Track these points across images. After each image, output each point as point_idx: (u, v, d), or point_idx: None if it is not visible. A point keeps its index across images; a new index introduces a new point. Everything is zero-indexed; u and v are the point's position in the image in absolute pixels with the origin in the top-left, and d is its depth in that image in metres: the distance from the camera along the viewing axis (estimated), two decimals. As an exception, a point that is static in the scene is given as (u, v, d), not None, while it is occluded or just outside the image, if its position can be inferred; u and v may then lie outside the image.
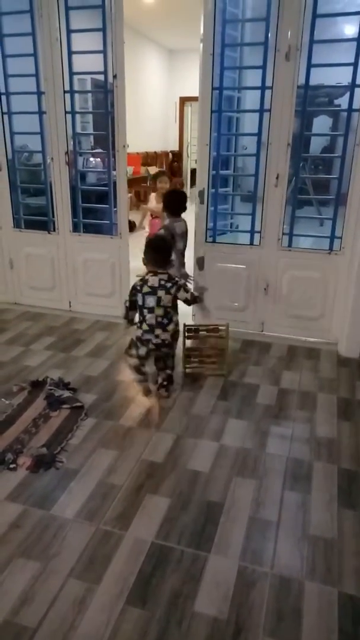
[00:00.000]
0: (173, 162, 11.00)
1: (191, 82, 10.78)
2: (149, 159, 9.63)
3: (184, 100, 10.97)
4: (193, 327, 2.83)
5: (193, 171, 12.24)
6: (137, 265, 3.81)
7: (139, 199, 9.16)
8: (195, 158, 11.77)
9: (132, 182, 7.90)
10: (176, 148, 11.25)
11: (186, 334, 2.80)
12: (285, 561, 1.63)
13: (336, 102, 5.11)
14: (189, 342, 2.84)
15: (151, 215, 4.56)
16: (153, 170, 9.03)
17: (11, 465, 2.04)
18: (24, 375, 2.83)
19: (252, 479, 2.00)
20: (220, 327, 2.83)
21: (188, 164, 11.91)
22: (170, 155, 10.88)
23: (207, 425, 2.37)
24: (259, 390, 2.71)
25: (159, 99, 10.31)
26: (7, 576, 1.54)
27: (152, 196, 4.65)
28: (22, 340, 3.31)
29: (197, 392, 2.67)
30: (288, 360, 3.08)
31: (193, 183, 12.13)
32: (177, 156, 11.19)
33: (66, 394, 2.59)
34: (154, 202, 4.55)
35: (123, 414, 2.46)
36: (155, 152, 10.04)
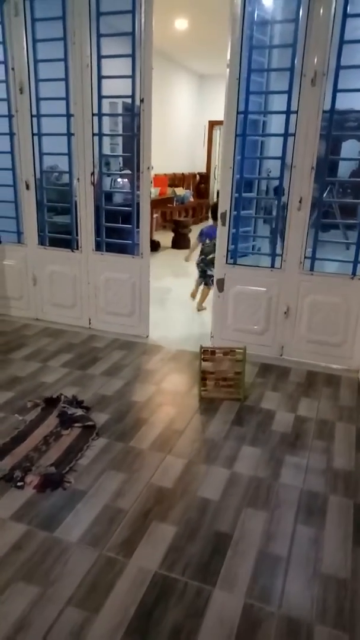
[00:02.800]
0: (200, 183, 11.12)
1: (220, 106, 10.99)
2: (176, 180, 9.75)
3: (212, 124, 11.13)
4: (209, 349, 2.79)
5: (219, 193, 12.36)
6: (158, 285, 3.80)
7: (165, 220, 9.27)
8: (222, 180, 12.14)
9: (159, 203, 8.00)
10: (204, 170, 11.38)
11: (202, 356, 2.76)
12: (294, 601, 1.55)
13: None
14: (204, 364, 2.79)
15: None
16: (180, 191, 9.14)
17: (19, 484, 2.03)
18: (40, 392, 2.83)
19: (264, 511, 1.92)
20: (237, 350, 2.78)
21: (214, 185, 12.01)
22: (198, 177, 11.00)
23: (220, 451, 2.31)
24: (276, 416, 2.64)
25: (188, 122, 10.49)
26: (6, 600, 1.51)
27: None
28: (41, 357, 3.33)
29: (211, 417, 2.62)
30: (307, 387, 3.00)
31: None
32: (204, 178, 11.31)
33: (79, 412, 2.57)
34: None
35: (134, 435, 2.42)
36: (182, 174, 10.17)
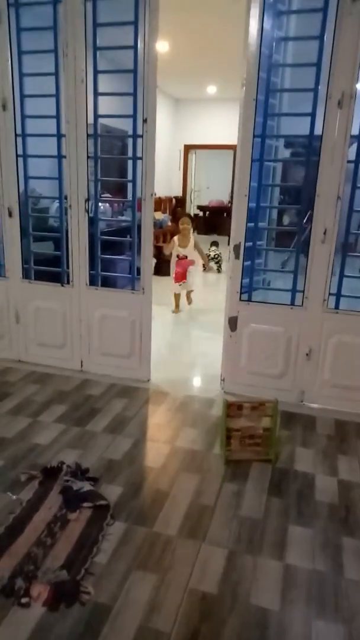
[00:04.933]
0: (177, 207, 10.88)
1: (196, 130, 10.96)
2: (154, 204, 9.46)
3: (188, 148, 10.99)
4: (235, 404, 2.42)
5: (196, 216, 12.15)
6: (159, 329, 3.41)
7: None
8: (197, 204, 11.95)
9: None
10: (180, 194, 11.18)
11: (228, 413, 2.38)
12: None
13: None
14: (229, 422, 2.41)
15: (178, 256, 5.06)
16: (158, 215, 8.83)
17: (23, 600, 1.57)
18: (33, 458, 2.38)
19: (338, 623, 1.54)
20: (267, 404, 2.42)
21: (191, 209, 11.84)
22: (174, 200, 10.77)
23: (264, 534, 1.92)
24: (315, 482, 2.28)
25: (164, 145, 10.28)
26: None
27: (176, 238, 5.12)
28: (29, 410, 2.87)
29: (242, 485, 2.23)
30: (339, 441, 2.66)
31: (195, 228, 12.02)
32: (181, 202, 11.10)
33: (86, 486, 2.13)
34: (176, 242, 5.08)
35: (157, 516, 2.00)
36: (159, 198, 9.89)
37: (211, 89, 9.06)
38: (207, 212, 12.42)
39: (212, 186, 12.34)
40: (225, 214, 12.02)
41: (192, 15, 4.80)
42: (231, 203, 10.73)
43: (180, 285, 5.08)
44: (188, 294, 5.26)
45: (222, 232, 11.59)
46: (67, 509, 2.00)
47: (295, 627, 1.52)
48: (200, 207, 12.21)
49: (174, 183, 10.97)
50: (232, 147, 10.29)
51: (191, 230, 5.14)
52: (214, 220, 12.28)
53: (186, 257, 5.05)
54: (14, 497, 2.08)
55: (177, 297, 5.11)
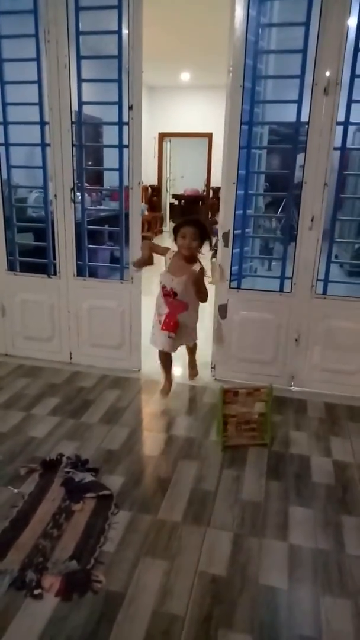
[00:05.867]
0: (152, 196, 10.82)
1: (170, 119, 10.87)
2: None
3: (162, 136, 10.90)
4: (231, 390, 2.44)
5: (171, 205, 12.12)
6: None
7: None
8: (173, 192, 11.89)
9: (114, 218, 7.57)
10: (155, 183, 11.10)
11: (224, 399, 2.41)
12: None
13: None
14: (226, 408, 2.44)
15: (163, 286, 2.73)
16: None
17: (35, 591, 1.57)
18: (31, 451, 2.36)
19: (345, 598, 1.60)
20: (262, 389, 2.46)
21: (167, 198, 11.78)
22: (150, 189, 10.69)
23: (266, 516, 1.96)
24: (312, 464, 2.33)
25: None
26: None
27: (168, 256, 2.74)
28: (22, 403, 2.84)
29: (241, 470, 2.27)
30: (331, 423, 2.73)
31: (170, 217, 11.99)
32: (156, 191, 11.04)
33: (88, 477, 2.14)
34: (166, 263, 2.74)
35: (160, 504, 2.02)
36: (136, 186, 9.80)
37: (185, 76, 8.98)
38: (182, 201, 12.40)
39: (186, 175, 12.28)
40: (200, 203, 12.03)
41: (166, 1, 4.75)
42: (206, 191, 10.67)
43: (168, 336, 2.72)
44: (190, 353, 3.13)
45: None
46: (70, 500, 2.00)
47: (304, 604, 1.57)
48: (175, 196, 12.15)
49: (149, 172, 10.88)
50: (206, 135, 10.38)
51: (201, 249, 2.73)
52: (189, 209, 12.26)
53: (175, 294, 2.67)
54: (16, 491, 2.06)
55: (165, 361, 2.89)
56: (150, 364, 3.34)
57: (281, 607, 1.56)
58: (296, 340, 3.02)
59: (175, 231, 2.68)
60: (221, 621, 1.50)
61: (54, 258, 3.24)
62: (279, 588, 1.63)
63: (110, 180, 5.81)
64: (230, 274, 3.02)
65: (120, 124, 2.93)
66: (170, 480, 2.18)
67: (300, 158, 2.79)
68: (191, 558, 1.74)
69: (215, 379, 3.20)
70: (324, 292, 2.93)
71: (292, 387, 3.10)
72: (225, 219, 2.94)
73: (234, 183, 2.86)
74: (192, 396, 3.02)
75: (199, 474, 2.23)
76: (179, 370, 3.32)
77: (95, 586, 1.61)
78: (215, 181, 9.95)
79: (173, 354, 2.90)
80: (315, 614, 1.54)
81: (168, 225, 11.30)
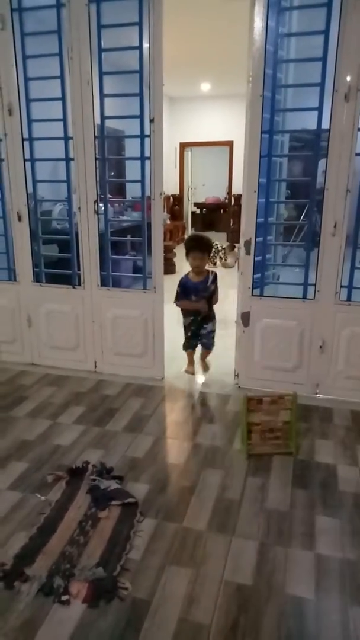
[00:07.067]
0: (174, 205, 10.91)
1: (191, 128, 10.98)
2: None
3: (183, 146, 11.00)
4: (255, 398, 2.44)
5: (193, 214, 12.20)
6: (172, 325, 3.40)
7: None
8: (194, 201, 11.96)
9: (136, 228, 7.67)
10: (177, 192, 11.19)
11: (248, 407, 2.41)
12: None
13: None
14: (250, 416, 2.44)
15: None
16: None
17: (63, 597, 1.59)
18: (57, 459, 2.40)
19: (374, 609, 1.57)
20: (286, 397, 2.45)
21: (188, 207, 11.85)
22: (172, 199, 10.78)
23: (292, 525, 1.95)
24: (338, 472, 2.31)
25: (161, 144, 10.29)
26: None
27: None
28: (48, 412, 2.89)
29: (266, 478, 2.26)
30: (357, 431, 2.69)
31: (192, 225, 12.07)
32: (178, 200, 11.12)
33: (113, 485, 2.16)
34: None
35: (185, 512, 2.02)
36: (158, 196, 9.90)
37: (205, 86, 9.07)
38: (204, 209, 12.46)
39: (208, 183, 12.35)
40: (222, 211, 12.07)
41: (186, 14, 4.83)
42: (228, 199, 10.71)
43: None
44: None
45: (219, 229, 11.64)
46: (96, 507, 2.03)
47: (332, 614, 1.55)
48: (197, 205, 12.23)
49: (170, 181, 10.98)
50: (227, 144, 10.43)
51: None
52: (211, 217, 12.33)
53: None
54: (43, 498, 2.10)
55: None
56: (172, 372, 3.36)
57: (308, 617, 1.54)
58: (320, 347, 2.99)
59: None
60: (247, 630, 1.49)
61: (78, 269, 3.31)
62: (306, 598, 1.61)
63: (133, 191, 5.92)
64: (253, 281, 3.02)
65: (142, 136, 2.98)
66: (195, 488, 2.18)
67: (322, 164, 2.79)
68: (216, 566, 1.74)
69: (239, 386, 3.20)
70: (348, 298, 2.90)
71: (317, 395, 3.07)
72: (246, 227, 2.95)
73: (255, 191, 2.88)
74: (216, 404, 3.02)
75: (224, 482, 2.23)
76: (201, 378, 3.34)
77: (121, 593, 1.62)
78: (237, 188, 9.97)
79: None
80: (343, 624, 1.52)
81: (190, 234, 11.34)
